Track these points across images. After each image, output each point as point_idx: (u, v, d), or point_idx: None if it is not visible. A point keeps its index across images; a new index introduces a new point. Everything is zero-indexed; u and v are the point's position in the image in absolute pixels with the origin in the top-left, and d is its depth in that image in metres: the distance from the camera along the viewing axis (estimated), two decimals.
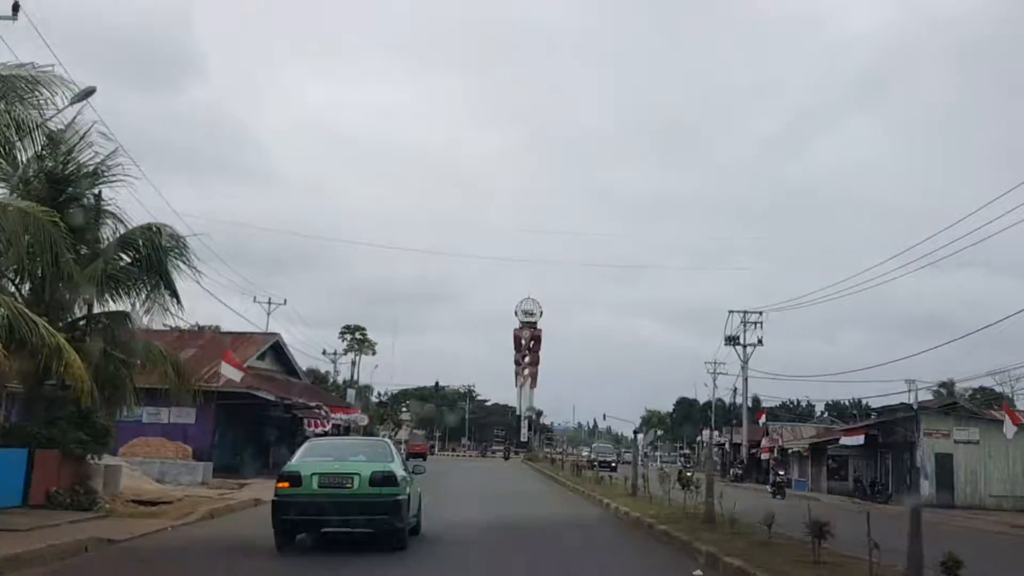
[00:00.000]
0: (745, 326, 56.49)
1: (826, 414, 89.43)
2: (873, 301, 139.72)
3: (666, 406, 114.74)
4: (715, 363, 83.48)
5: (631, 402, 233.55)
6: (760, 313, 56.51)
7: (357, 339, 72.97)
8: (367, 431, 75.76)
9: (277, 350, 36.39)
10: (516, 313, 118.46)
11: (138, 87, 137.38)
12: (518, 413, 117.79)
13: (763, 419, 56.57)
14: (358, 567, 11.04)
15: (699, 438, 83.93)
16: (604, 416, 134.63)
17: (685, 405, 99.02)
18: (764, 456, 51.70)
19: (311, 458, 12.54)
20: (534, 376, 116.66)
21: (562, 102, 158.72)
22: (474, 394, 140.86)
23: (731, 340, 56.74)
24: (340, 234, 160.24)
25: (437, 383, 76.61)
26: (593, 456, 42.51)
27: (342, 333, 73.18)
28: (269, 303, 57.26)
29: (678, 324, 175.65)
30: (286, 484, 11.65)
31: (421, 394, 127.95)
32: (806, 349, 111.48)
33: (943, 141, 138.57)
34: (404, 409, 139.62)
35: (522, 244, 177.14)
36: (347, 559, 11.52)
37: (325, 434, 46.13)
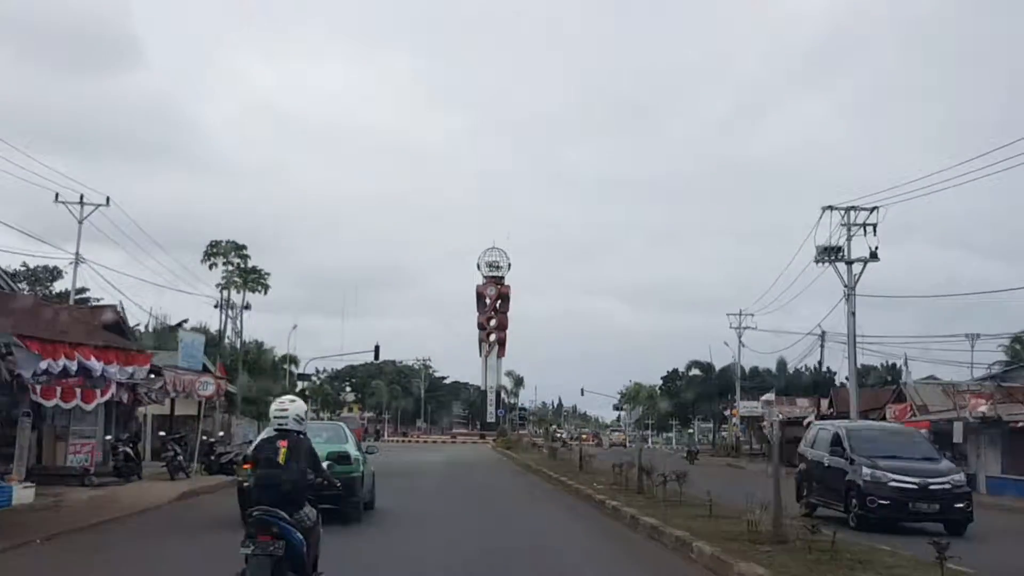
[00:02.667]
0: (850, 230, 35.84)
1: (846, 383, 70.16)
2: None
3: (649, 380, 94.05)
4: (740, 314, 63.25)
5: (601, 381, 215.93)
6: (873, 210, 35.85)
7: (237, 266, 43.54)
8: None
9: None
10: (479, 266, 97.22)
11: (78, 71, 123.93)
12: (483, 388, 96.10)
13: (906, 377, 35.53)
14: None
15: (729, 412, 62.99)
16: (583, 391, 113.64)
17: (700, 369, 77.25)
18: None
19: None
20: (502, 342, 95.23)
21: (516, 83, 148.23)
22: (431, 370, 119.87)
23: (827, 252, 36.00)
24: (290, 217, 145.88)
25: (377, 347, 53.39)
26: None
27: (207, 255, 43.56)
28: (81, 202, 35.03)
29: (643, 303, 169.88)
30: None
31: (368, 371, 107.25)
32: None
33: (892, 115, 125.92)
34: (347, 388, 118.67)
35: (479, 226, 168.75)
36: None
37: (136, 412, 25.47)
